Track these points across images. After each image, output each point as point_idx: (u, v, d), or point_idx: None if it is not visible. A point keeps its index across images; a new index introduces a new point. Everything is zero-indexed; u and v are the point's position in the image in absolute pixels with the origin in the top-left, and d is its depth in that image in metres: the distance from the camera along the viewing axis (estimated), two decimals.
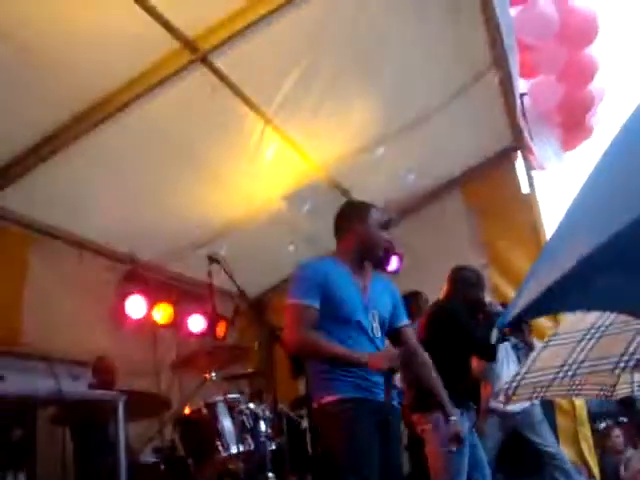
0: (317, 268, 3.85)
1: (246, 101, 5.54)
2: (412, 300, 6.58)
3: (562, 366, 3.28)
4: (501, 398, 4.03)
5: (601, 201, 1.57)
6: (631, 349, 2.93)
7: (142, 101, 5.15)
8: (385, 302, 3.97)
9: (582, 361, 3.17)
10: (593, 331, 3.21)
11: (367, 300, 3.84)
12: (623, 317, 3.02)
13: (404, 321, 4.07)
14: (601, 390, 4.18)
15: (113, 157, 5.58)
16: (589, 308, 1.85)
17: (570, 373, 3.27)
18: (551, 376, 3.47)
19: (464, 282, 5.40)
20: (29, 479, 4.11)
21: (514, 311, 1.68)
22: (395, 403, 3.81)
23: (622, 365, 2.96)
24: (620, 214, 1.37)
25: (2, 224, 5.70)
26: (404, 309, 4.14)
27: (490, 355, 5.49)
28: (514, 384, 3.79)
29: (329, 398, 3.58)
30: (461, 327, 5.13)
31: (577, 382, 3.95)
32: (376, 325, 3.82)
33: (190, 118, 5.51)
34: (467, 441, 4.92)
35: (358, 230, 3.96)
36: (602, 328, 3.18)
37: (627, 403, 5.46)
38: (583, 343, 3.21)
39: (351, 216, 4.05)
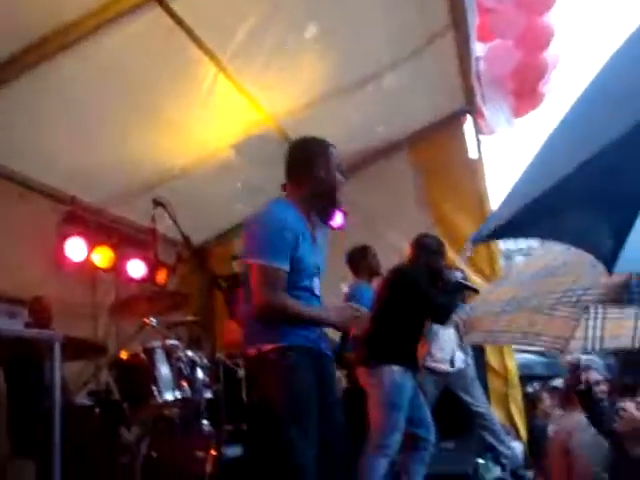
0: (287, 222, 3.45)
1: (201, 46, 5.44)
2: (361, 255, 6.62)
3: (510, 300, 3.36)
4: (462, 327, 4.13)
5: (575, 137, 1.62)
6: (574, 286, 3.01)
7: (98, 36, 4.98)
8: (323, 255, 3.72)
9: (528, 297, 3.26)
10: (543, 272, 3.29)
11: (317, 257, 3.60)
12: (569, 259, 3.12)
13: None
14: (556, 343, 4.28)
15: (62, 92, 5.41)
16: (554, 238, 1.90)
17: (517, 306, 3.36)
18: (498, 309, 3.55)
19: (426, 249, 5.47)
20: None
21: (487, 230, 1.75)
22: (329, 353, 3.74)
23: (564, 299, 3.05)
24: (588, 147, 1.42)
25: None
26: None
27: (446, 320, 5.60)
28: (471, 313, 3.88)
29: (271, 345, 3.39)
30: (421, 292, 5.20)
31: (534, 332, 4.05)
32: (318, 282, 3.62)
33: (144, 58, 5.39)
34: (408, 399, 5.06)
35: (320, 173, 3.56)
36: (551, 269, 3.26)
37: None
38: (530, 282, 3.29)
39: (313, 156, 3.61)
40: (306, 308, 3.47)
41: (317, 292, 3.58)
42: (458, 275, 5.57)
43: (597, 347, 4.37)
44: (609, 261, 1.56)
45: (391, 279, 5.50)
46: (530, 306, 3.41)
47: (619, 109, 1.49)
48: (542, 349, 5.88)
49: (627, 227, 1.50)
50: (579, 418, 4.50)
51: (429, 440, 5.37)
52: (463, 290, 5.61)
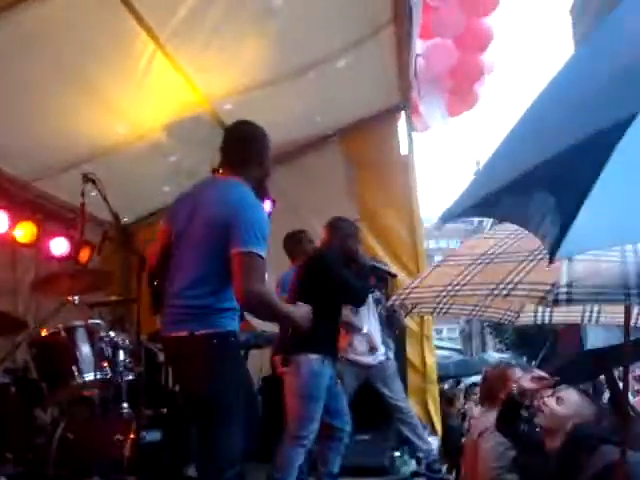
0: (264, 210, 3.60)
1: (139, 20, 5.27)
2: (296, 239, 6.65)
3: (447, 286, 3.37)
4: (396, 308, 4.17)
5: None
6: (508, 279, 3.03)
7: (28, 4, 4.78)
8: None
9: (464, 284, 3.27)
10: (484, 257, 3.31)
11: None
12: (517, 246, 3.16)
13: None
14: (505, 315, 4.33)
15: None
16: (512, 220, 1.98)
17: (452, 294, 3.38)
18: (434, 294, 3.56)
19: (341, 232, 5.45)
20: None
21: (459, 208, 1.84)
22: None
23: (496, 292, 3.08)
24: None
25: None
26: None
27: (361, 303, 5.68)
28: (402, 297, 3.88)
29: (213, 330, 3.41)
30: (336, 275, 5.17)
31: (483, 303, 4.08)
32: None
33: (80, 31, 5.18)
34: (325, 389, 5.04)
35: (261, 159, 3.71)
36: (492, 256, 3.29)
37: None
38: (471, 267, 3.31)
39: (257, 142, 3.74)
40: (282, 303, 3.63)
41: None
42: (370, 260, 5.58)
43: (547, 321, 4.44)
44: (553, 248, 1.61)
45: (306, 264, 5.45)
46: (463, 294, 3.43)
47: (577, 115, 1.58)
48: (493, 320, 5.95)
49: (571, 215, 1.56)
50: (493, 417, 4.56)
51: (345, 430, 5.39)
52: (378, 274, 5.65)
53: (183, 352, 3.51)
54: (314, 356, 4.95)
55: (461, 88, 8.11)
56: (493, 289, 3.11)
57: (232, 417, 3.36)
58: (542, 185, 1.57)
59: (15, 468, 4.79)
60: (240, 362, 3.60)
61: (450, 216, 1.91)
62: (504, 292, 3.07)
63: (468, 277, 3.27)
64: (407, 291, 3.82)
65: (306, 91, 6.99)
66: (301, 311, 3.68)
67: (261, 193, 3.80)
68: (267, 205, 7.94)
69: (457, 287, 3.31)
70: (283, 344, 5.16)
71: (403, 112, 8.22)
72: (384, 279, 6.44)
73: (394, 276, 5.87)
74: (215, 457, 3.38)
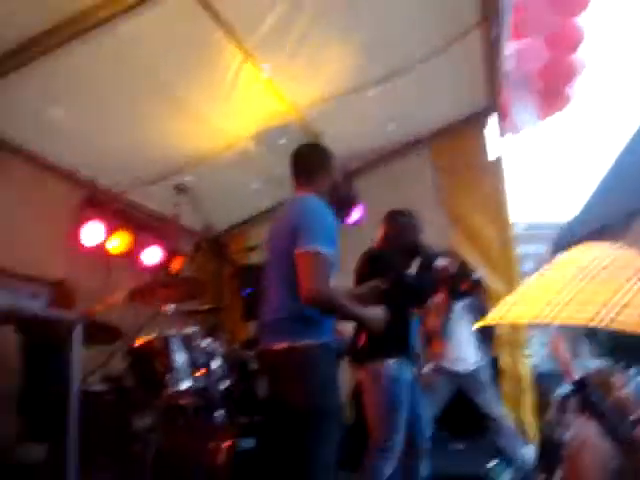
0: (331, 216, 3.69)
1: (227, 32, 5.35)
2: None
3: (548, 304, 3.26)
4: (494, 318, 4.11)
5: None
6: (615, 299, 2.89)
7: (119, 20, 4.89)
8: None
9: (567, 302, 3.16)
10: (591, 268, 3.18)
11: None
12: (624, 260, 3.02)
13: None
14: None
15: (83, 76, 5.33)
16: None
17: (552, 314, 3.27)
18: (535, 312, 3.46)
19: (398, 225, 5.30)
20: None
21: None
22: None
23: (599, 317, 2.95)
24: None
25: None
26: None
27: (421, 302, 5.57)
28: (500, 315, 3.80)
29: (309, 341, 3.48)
30: (393, 274, 4.94)
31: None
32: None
33: (167, 45, 5.31)
34: (407, 395, 4.90)
35: (331, 174, 3.95)
36: (598, 268, 3.16)
37: None
38: (576, 281, 3.18)
39: (325, 159, 4.02)
40: (350, 302, 3.59)
41: None
42: (433, 250, 5.34)
43: None
44: None
45: (362, 265, 5.23)
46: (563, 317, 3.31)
47: None
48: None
49: None
50: (594, 427, 4.42)
51: (422, 449, 5.20)
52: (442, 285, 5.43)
53: (281, 363, 3.55)
54: (390, 360, 4.83)
55: (552, 89, 7.91)
56: (597, 313, 2.98)
57: (330, 429, 3.36)
58: None
59: (113, 475, 4.88)
60: (335, 373, 3.58)
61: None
62: (609, 316, 2.94)
63: (572, 294, 3.15)
64: (506, 308, 3.74)
65: (392, 97, 6.93)
66: (374, 311, 3.74)
67: (340, 202, 3.91)
68: (356, 213, 7.99)
69: (558, 307, 3.21)
70: (356, 351, 5.05)
71: (492, 115, 8.09)
72: (478, 285, 6.30)
73: (478, 283, 5.68)
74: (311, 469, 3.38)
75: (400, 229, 5.26)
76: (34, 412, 5.22)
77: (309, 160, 4.02)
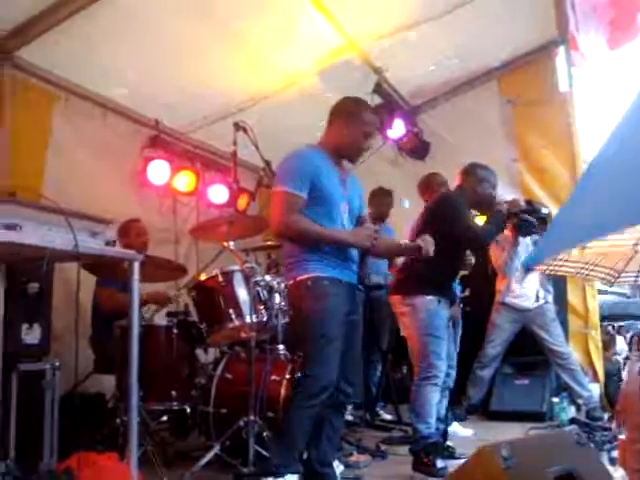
0: (308, 158, 3.99)
1: None
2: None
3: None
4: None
5: None
6: None
7: None
8: (355, 196, 4.23)
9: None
10: None
11: (346, 193, 4.10)
12: None
13: (364, 213, 4.37)
14: (608, 275, 4.17)
15: (144, 17, 5.36)
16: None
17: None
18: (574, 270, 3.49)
19: (475, 177, 5.26)
20: (43, 331, 4.13)
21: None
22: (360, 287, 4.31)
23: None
24: None
25: (27, 80, 5.59)
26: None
27: (480, 249, 5.79)
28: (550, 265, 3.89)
29: (304, 276, 3.87)
30: (457, 218, 5.00)
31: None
32: (347, 216, 4.07)
33: None
34: (445, 329, 4.97)
35: (342, 128, 4.09)
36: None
37: None
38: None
39: (342, 111, 4.15)
40: (324, 228, 3.88)
41: (346, 223, 4.04)
42: (504, 208, 5.32)
43: None
44: None
45: (432, 204, 5.36)
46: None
47: None
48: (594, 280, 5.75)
49: None
50: None
51: (450, 375, 5.55)
52: (508, 221, 5.44)
53: (289, 296, 4.35)
54: (429, 297, 4.90)
55: (622, 20, 7.60)
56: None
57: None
58: None
59: (179, 405, 5.04)
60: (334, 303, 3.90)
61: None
62: None
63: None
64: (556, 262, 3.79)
65: (457, 30, 6.78)
66: (354, 231, 4.03)
67: (349, 159, 4.23)
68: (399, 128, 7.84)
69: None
70: (399, 285, 5.14)
71: (561, 46, 7.85)
72: (544, 221, 6.19)
73: (545, 218, 5.58)
74: None
75: (479, 181, 5.23)
76: (103, 346, 5.42)
77: (332, 110, 4.21)
